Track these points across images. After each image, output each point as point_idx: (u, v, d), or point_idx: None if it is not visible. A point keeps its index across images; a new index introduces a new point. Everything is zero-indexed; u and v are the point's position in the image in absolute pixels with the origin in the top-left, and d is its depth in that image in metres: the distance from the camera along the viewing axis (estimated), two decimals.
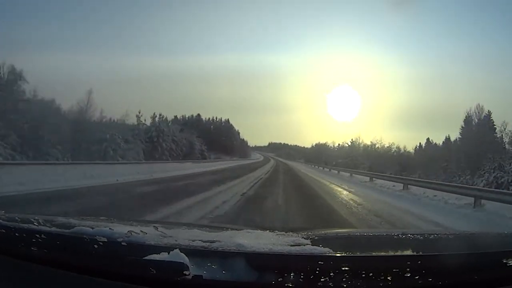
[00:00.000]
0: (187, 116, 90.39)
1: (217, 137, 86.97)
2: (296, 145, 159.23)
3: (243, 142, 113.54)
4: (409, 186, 14.99)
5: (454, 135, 45.42)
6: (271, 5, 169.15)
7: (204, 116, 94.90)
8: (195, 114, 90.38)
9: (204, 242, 1.12)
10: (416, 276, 1.02)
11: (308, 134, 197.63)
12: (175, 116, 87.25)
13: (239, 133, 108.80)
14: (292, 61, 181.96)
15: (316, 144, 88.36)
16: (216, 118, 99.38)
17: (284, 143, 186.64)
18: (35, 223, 1.31)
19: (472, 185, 21.46)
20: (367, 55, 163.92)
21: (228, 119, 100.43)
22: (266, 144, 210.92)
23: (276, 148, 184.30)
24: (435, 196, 11.96)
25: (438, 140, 50.88)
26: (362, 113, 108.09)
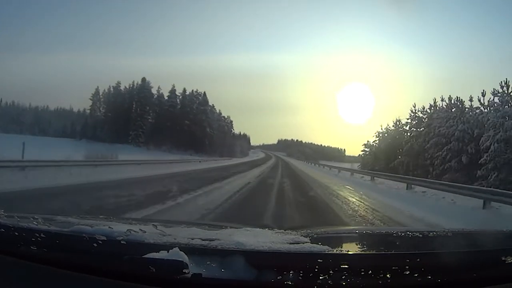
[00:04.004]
0: (134, 84, 60.30)
1: (177, 122, 54.50)
2: (311, 143, 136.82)
3: (235, 137, 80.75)
4: None
5: None
6: (282, 4, 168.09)
7: (159, 85, 62.64)
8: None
9: (203, 240, 1.12)
10: (415, 274, 1.02)
11: (327, 133, 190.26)
12: (112, 86, 60.43)
13: (232, 122, 75.02)
14: (298, 59, 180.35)
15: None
16: (185, 90, 61.36)
17: (297, 140, 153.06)
18: (34, 222, 1.31)
19: None
20: (382, 53, 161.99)
21: (204, 92, 63.99)
22: (275, 141, 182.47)
23: (287, 146, 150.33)
24: None
25: None
26: (376, 113, 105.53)
